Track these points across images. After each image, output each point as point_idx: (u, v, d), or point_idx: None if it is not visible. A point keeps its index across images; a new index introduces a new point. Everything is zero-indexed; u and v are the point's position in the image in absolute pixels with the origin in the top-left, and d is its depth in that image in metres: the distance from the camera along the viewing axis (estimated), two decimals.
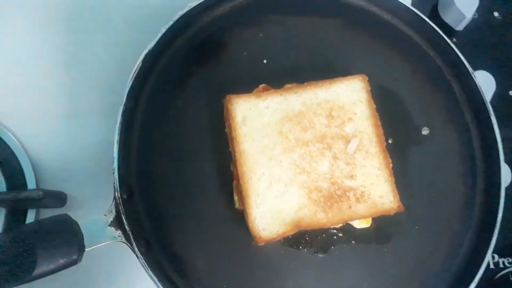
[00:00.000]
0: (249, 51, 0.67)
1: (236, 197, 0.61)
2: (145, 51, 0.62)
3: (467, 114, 0.69)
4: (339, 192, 0.59)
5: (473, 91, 0.68)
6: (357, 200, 0.59)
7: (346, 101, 0.61)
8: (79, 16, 0.75)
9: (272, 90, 0.61)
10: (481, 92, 0.67)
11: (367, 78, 0.62)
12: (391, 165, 0.60)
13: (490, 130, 0.66)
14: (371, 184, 0.59)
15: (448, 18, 0.79)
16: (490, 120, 0.66)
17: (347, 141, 0.60)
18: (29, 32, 0.74)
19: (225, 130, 0.62)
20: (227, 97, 0.60)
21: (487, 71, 0.77)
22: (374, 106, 0.61)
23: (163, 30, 0.63)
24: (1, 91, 0.72)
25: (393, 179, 0.60)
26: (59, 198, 0.65)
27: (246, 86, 0.63)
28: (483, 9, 0.81)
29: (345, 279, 0.61)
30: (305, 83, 0.62)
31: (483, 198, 0.66)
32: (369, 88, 0.62)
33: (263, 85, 0.63)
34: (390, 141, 0.65)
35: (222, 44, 0.67)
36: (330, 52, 0.69)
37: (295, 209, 0.58)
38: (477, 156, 0.67)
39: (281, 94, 0.60)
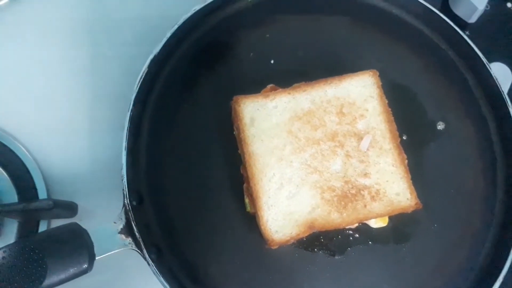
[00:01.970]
0: (256, 52, 0.67)
1: (247, 200, 0.59)
2: (151, 56, 0.62)
3: (483, 107, 0.67)
4: (353, 191, 0.57)
5: (489, 83, 0.66)
6: (372, 198, 0.57)
7: (357, 97, 0.60)
8: (89, 30, 0.75)
9: (280, 90, 0.60)
10: (498, 84, 0.65)
11: (377, 73, 0.61)
12: (406, 161, 0.59)
13: (508, 122, 0.64)
14: (386, 181, 0.57)
15: (459, 11, 0.77)
16: (509, 112, 0.64)
17: (360, 138, 0.58)
18: (38, 46, 0.74)
19: (234, 132, 0.61)
20: (234, 98, 0.59)
21: (503, 62, 0.74)
22: (386, 102, 0.60)
23: (168, 34, 0.63)
24: (11, 103, 0.72)
25: (409, 175, 0.58)
26: (70, 208, 0.64)
27: (254, 87, 0.63)
28: (496, 0, 0.78)
29: (363, 281, 0.59)
30: (313, 81, 0.60)
31: (504, 193, 0.64)
32: (380, 83, 0.60)
33: (270, 85, 0.62)
34: (404, 138, 0.64)
35: (228, 46, 0.66)
36: (339, 50, 0.67)
37: (308, 210, 0.57)
38: (496, 150, 0.65)
39: (289, 93, 0.59)
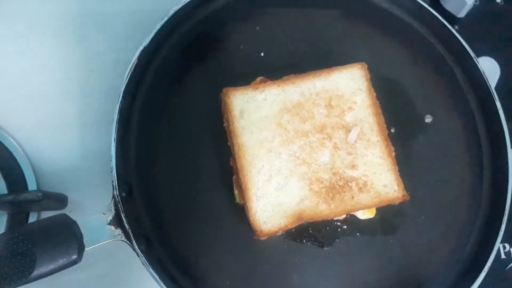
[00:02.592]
0: (246, 44, 0.67)
1: (236, 192, 0.60)
2: (140, 48, 0.61)
3: (471, 101, 0.68)
4: (341, 183, 0.58)
5: (477, 78, 0.67)
6: (360, 190, 0.57)
7: (346, 90, 0.60)
8: (81, 24, 0.75)
9: (270, 82, 0.60)
10: (486, 78, 0.66)
11: (366, 66, 0.61)
12: (393, 153, 0.59)
13: (495, 116, 0.65)
14: (374, 173, 0.58)
15: (449, 5, 0.77)
16: (496, 106, 0.65)
17: (348, 130, 0.59)
18: (30, 40, 0.74)
19: (223, 124, 0.61)
20: (224, 90, 0.59)
21: (491, 57, 0.75)
22: (375, 95, 0.60)
23: (158, 26, 0.62)
24: (1, 98, 0.71)
25: (397, 167, 0.59)
26: (60, 200, 0.64)
27: (244, 79, 0.63)
28: None
29: (351, 272, 0.60)
30: (302, 74, 0.60)
31: (490, 186, 0.65)
32: (369, 76, 0.61)
33: (260, 77, 0.62)
34: (392, 130, 0.64)
35: (218, 38, 0.66)
36: (329, 43, 0.68)
37: (296, 201, 0.57)
38: (483, 143, 0.66)
39: (278, 86, 0.59)
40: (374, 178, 0.58)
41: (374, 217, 0.61)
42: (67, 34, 0.74)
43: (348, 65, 0.61)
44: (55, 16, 0.75)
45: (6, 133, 0.68)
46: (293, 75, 0.61)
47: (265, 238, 0.57)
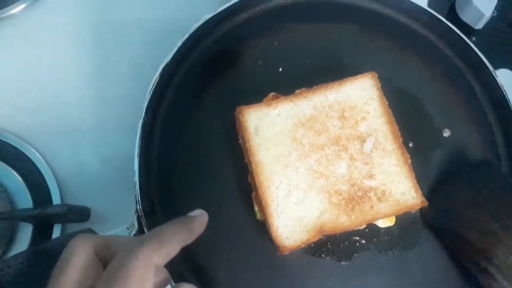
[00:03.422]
0: (265, 60, 0.67)
1: (256, 208, 0.60)
2: (162, 65, 0.63)
3: (490, 114, 0.67)
4: (359, 193, 0.57)
5: (495, 92, 0.66)
6: (379, 199, 0.57)
7: (358, 101, 0.61)
8: (97, 32, 0.79)
9: (282, 97, 0.61)
10: (504, 92, 0.65)
11: (376, 75, 0.61)
12: (409, 160, 0.59)
13: None
14: (392, 181, 0.58)
15: (466, 17, 0.77)
16: None
17: (363, 140, 0.59)
18: (51, 49, 0.78)
19: (239, 141, 0.62)
20: (238, 108, 0.60)
21: (510, 69, 0.74)
22: (387, 103, 0.61)
23: (179, 43, 0.64)
24: (24, 107, 0.76)
25: (413, 174, 0.58)
26: (83, 213, 0.67)
27: (263, 95, 0.64)
28: (502, 6, 0.78)
29: (369, 286, 0.58)
30: (314, 87, 0.62)
31: None
32: (379, 85, 0.61)
33: (272, 93, 0.63)
34: (410, 145, 0.64)
35: (237, 54, 0.68)
36: (346, 57, 0.68)
37: (316, 214, 0.57)
38: (502, 157, 0.65)
39: (291, 101, 0.61)
40: (392, 186, 0.58)
41: (393, 232, 0.60)
42: (93, 46, 0.79)
43: (358, 76, 0.62)
44: (72, 24, 0.80)
45: (30, 146, 0.72)
46: (304, 88, 0.62)
47: (287, 253, 0.57)
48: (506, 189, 0.59)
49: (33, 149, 0.73)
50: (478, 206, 0.57)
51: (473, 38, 0.76)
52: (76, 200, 0.69)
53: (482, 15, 0.75)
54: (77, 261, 0.41)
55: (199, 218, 0.51)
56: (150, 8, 0.81)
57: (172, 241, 0.44)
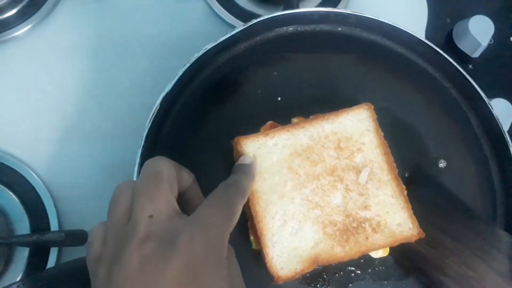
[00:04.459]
0: (264, 89, 0.68)
1: (252, 237, 0.60)
2: (163, 94, 0.64)
3: (485, 145, 0.68)
4: (354, 224, 0.57)
5: (490, 123, 0.67)
6: (374, 230, 0.57)
7: (354, 132, 0.61)
8: (101, 47, 0.80)
9: (279, 127, 0.62)
10: (499, 124, 0.66)
11: (372, 106, 0.62)
12: (405, 192, 0.59)
13: (509, 162, 0.65)
14: (387, 212, 0.58)
15: (463, 45, 0.79)
16: (510, 153, 0.64)
17: (358, 171, 0.59)
18: (54, 71, 0.78)
19: None
20: (236, 139, 0.60)
21: (505, 98, 0.75)
22: (382, 134, 0.61)
23: (180, 72, 0.65)
24: (22, 129, 0.76)
25: (409, 205, 0.58)
26: (80, 237, 0.67)
27: (261, 124, 0.64)
28: (499, 35, 0.79)
29: None
30: (310, 117, 0.62)
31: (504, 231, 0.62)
32: (375, 116, 0.61)
33: (270, 122, 0.63)
34: (406, 175, 0.64)
35: (237, 83, 0.68)
36: (344, 87, 0.69)
37: (311, 245, 0.57)
38: (497, 189, 0.65)
39: (288, 130, 0.61)
40: (387, 217, 0.58)
41: (388, 261, 0.60)
42: (92, 59, 0.79)
43: (354, 107, 0.62)
44: (75, 45, 0.80)
45: (28, 168, 0.72)
46: (302, 118, 0.62)
47: (282, 282, 0.57)
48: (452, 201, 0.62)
49: (31, 171, 0.72)
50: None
51: (470, 66, 0.77)
52: (74, 222, 0.69)
53: (479, 44, 0.76)
54: (169, 173, 0.46)
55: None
56: (156, 26, 0.82)
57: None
